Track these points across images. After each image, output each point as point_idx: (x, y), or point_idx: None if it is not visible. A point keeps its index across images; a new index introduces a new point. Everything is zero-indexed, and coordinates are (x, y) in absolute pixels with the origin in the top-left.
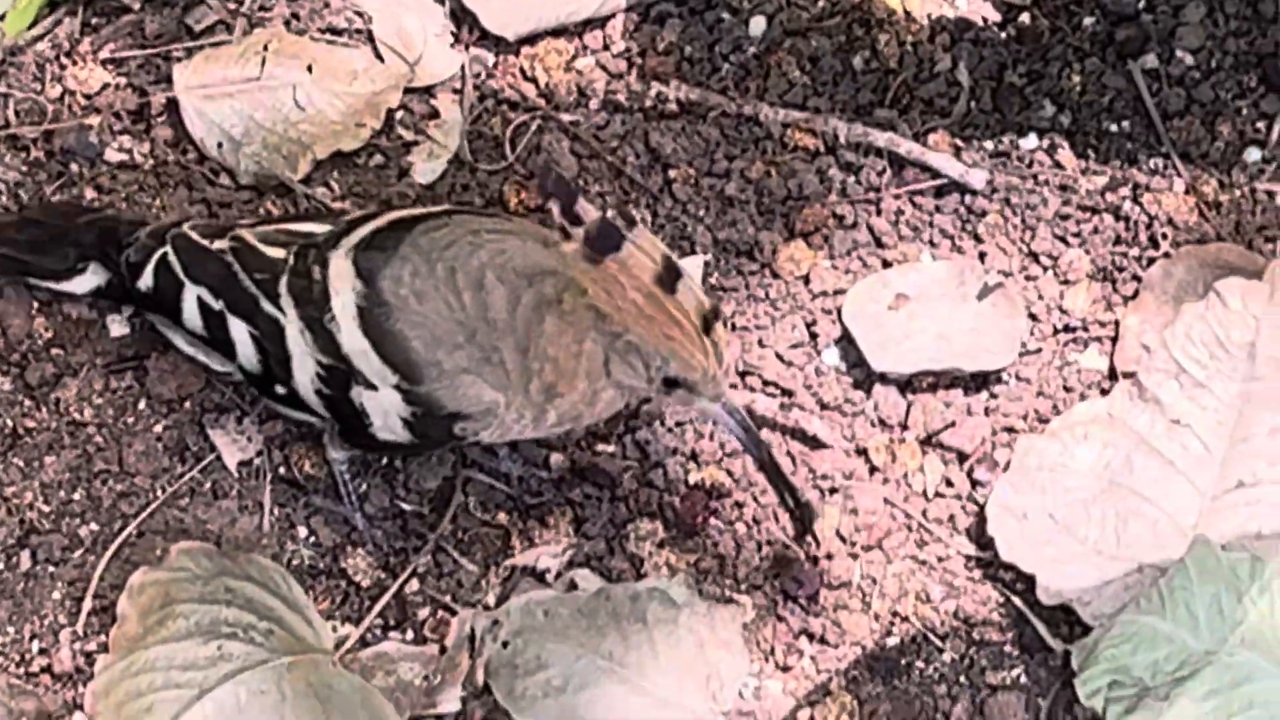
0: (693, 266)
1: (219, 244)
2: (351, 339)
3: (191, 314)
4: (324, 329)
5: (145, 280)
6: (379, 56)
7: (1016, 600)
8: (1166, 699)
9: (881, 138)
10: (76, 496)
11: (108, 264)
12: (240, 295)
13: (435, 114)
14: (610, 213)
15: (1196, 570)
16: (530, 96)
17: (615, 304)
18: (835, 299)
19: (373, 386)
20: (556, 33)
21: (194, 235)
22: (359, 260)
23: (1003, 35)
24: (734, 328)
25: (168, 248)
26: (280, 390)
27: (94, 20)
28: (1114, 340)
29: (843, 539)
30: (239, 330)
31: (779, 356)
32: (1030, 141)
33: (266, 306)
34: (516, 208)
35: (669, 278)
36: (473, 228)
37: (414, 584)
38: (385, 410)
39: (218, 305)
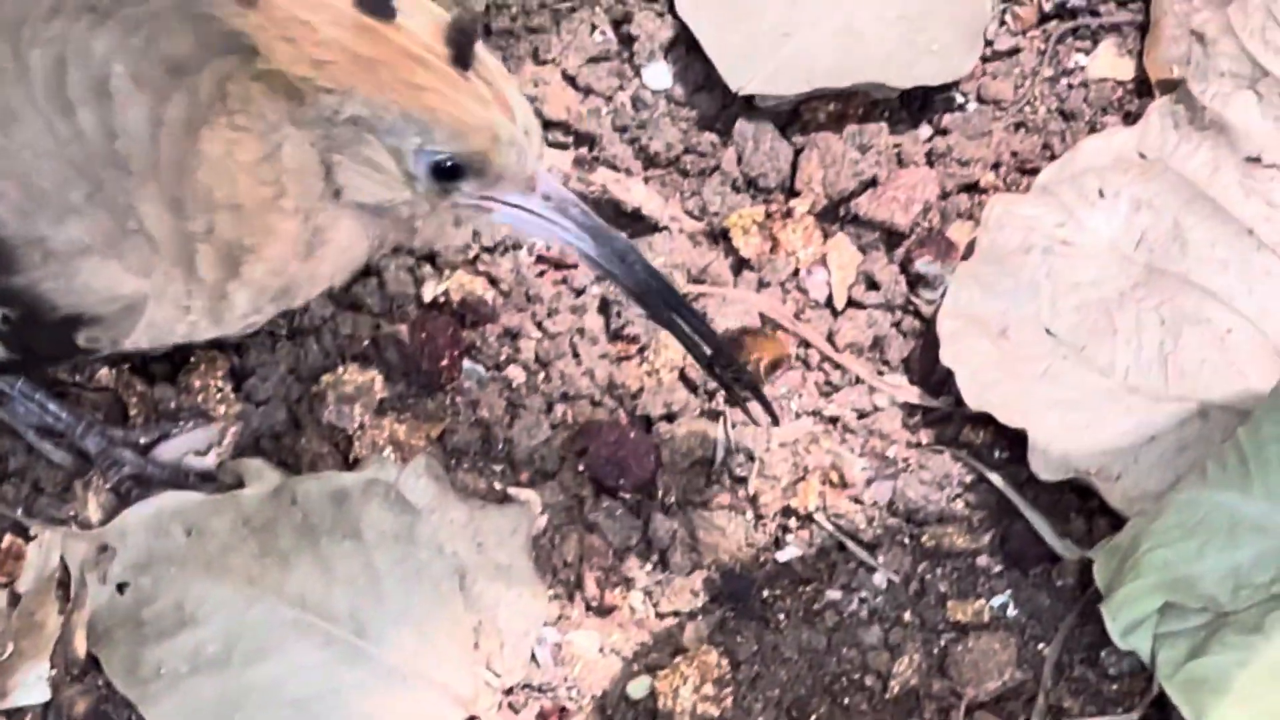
0: None
1: None
2: None
3: None
4: None
5: None
6: None
7: (993, 476)
8: (1259, 630)
9: None
10: None
11: None
12: None
13: None
14: None
15: None
16: None
17: (308, 56)
18: None
19: None
20: None
21: None
22: None
23: None
24: (489, 34)
25: None
26: None
27: None
28: (1142, 28)
29: (693, 387)
30: None
31: (569, 78)
32: None
33: None
34: None
35: None
36: None
37: None
38: None
39: None
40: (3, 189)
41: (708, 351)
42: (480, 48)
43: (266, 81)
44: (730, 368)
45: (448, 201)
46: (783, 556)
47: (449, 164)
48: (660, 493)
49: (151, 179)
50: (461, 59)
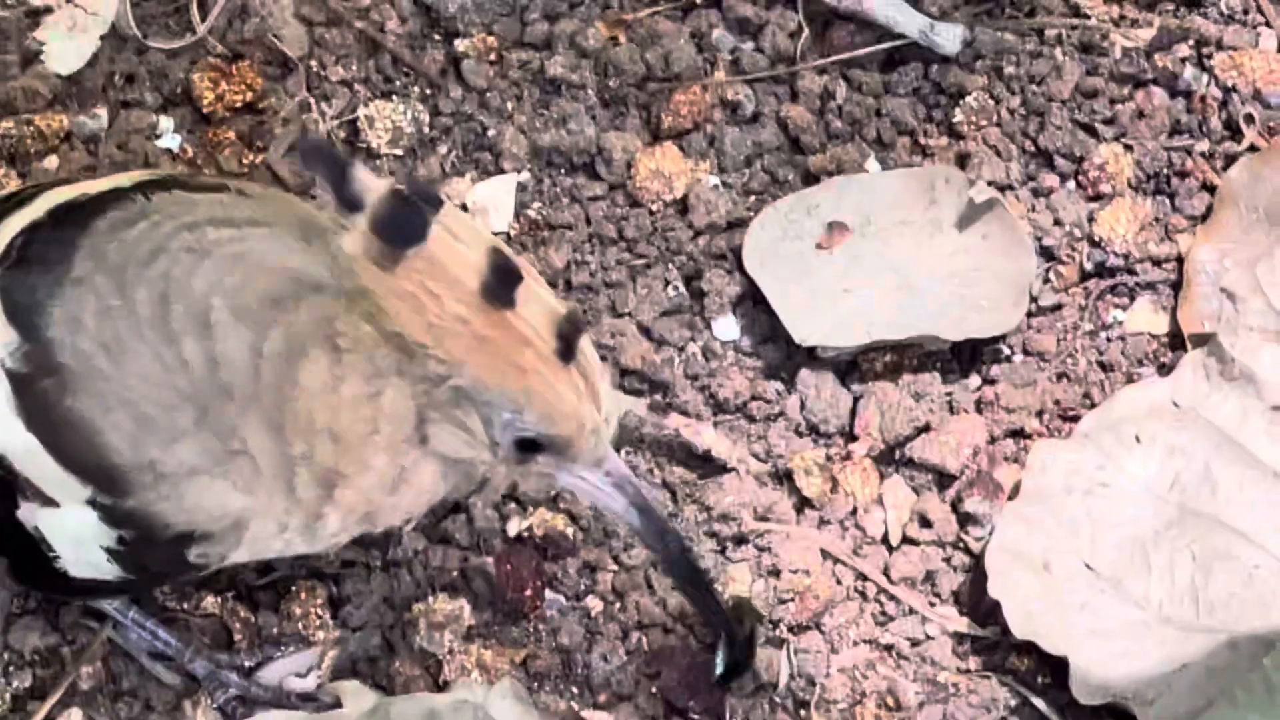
0: (498, 192)
1: None
2: (7, 429)
3: None
4: None
5: None
6: None
7: (1037, 700)
8: None
9: None
10: None
11: None
12: None
13: None
14: (403, 184)
15: None
16: None
17: (429, 326)
18: (730, 235)
19: (52, 502)
20: None
21: None
22: (10, 288)
23: None
24: (570, 288)
25: None
26: None
27: None
28: (1175, 286)
29: (759, 616)
30: None
31: (644, 330)
32: None
33: None
34: (214, 108)
35: (502, 276)
36: (187, 218)
37: (75, 713)
38: (77, 537)
39: None
40: (116, 419)
41: (719, 619)
42: (584, 341)
43: (381, 331)
44: (736, 641)
45: (523, 466)
46: None
47: (533, 439)
48: (728, 715)
49: (255, 406)
50: (567, 350)
